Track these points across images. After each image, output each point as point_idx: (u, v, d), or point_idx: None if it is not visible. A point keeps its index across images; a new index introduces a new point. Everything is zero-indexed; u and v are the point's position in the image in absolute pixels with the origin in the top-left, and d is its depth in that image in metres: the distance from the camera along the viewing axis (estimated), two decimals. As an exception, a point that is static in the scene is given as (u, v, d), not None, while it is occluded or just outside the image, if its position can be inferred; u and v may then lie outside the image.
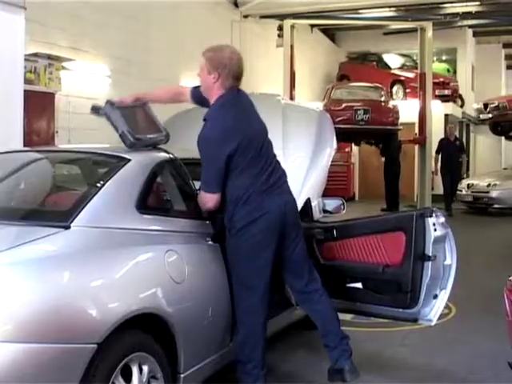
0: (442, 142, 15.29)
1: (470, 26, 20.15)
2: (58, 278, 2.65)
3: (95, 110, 3.86)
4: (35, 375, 2.44)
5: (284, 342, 4.67)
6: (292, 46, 15.26)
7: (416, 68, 17.28)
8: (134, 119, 3.87)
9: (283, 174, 3.76)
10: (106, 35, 9.98)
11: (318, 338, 3.82)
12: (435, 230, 3.80)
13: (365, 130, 14.79)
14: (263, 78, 15.19)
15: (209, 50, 3.68)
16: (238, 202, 3.55)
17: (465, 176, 17.05)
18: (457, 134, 16.94)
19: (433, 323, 3.96)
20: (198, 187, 4.93)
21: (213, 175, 3.57)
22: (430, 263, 3.78)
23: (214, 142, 3.53)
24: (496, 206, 14.93)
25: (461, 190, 16.03)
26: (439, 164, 15.14)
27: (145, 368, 2.92)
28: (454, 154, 14.98)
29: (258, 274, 3.57)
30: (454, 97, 19.76)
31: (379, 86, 15.78)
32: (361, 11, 15.70)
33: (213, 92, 3.65)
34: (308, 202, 4.46)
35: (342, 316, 4.08)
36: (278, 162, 3.77)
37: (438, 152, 15.12)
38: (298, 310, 4.35)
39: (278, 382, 4.13)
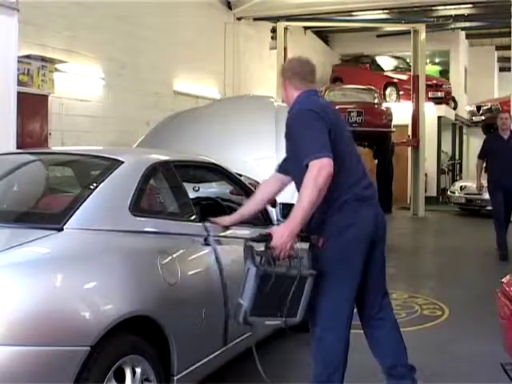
0: (488, 140, 9.63)
1: (462, 29, 20.22)
2: (51, 280, 2.64)
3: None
4: (28, 378, 2.44)
5: (277, 344, 4.67)
6: (285, 49, 15.33)
7: (409, 70, 17.35)
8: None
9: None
10: (100, 37, 9.98)
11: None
12: None
13: (358, 132, 14.71)
14: (256, 80, 15.23)
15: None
16: (333, 204, 3.25)
17: None
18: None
19: None
20: (195, 188, 4.90)
21: (315, 139, 3.14)
22: None
23: (311, 112, 3.25)
24: (488, 208, 14.93)
25: (453, 192, 16.10)
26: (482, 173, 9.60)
27: (138, 370, 2.92)
28: (508, 159, 8.82)
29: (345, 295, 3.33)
30: (447, 99, 19.81)
31: (372, 88, 15.80)
32: (354, 13, 15.75)
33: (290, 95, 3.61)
34: None
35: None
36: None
37: (481, 156, 9.37)
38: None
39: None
